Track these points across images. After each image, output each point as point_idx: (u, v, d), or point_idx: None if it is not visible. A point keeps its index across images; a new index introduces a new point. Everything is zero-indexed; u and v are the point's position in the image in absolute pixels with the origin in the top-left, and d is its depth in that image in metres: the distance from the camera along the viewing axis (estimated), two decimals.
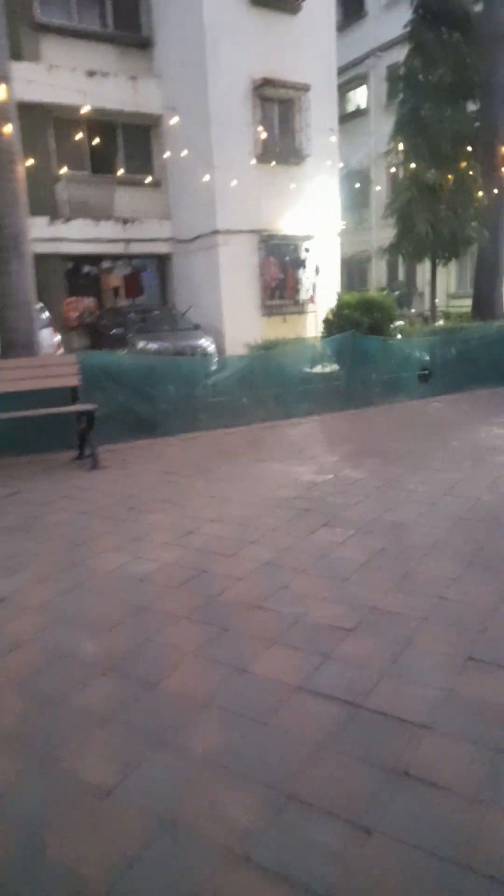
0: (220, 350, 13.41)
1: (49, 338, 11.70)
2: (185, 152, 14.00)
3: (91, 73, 14.55)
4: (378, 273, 23.12)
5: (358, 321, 8.47)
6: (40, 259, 15.65)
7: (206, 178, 14.03)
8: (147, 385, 6.74)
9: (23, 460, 5.89)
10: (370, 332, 8.39)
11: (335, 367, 8.26)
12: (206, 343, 13.16)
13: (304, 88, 14.79)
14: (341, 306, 8.85)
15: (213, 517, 4.05)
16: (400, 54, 22.08)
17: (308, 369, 8.23)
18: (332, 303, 16.22)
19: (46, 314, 12.21)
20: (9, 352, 6.44)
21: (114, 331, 13.26)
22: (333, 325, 8.76)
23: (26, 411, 5.39)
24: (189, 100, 14.52)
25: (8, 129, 6.27)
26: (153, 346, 12.35)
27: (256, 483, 4.83)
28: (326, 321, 9.07)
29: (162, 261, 16.36)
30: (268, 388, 7.73)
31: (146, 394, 6.80)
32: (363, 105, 24.03)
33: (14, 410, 5.46)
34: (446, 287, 20.34)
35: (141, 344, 12.30)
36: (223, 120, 14.03)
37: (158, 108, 15.35)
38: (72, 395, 5.77)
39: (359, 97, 24.28)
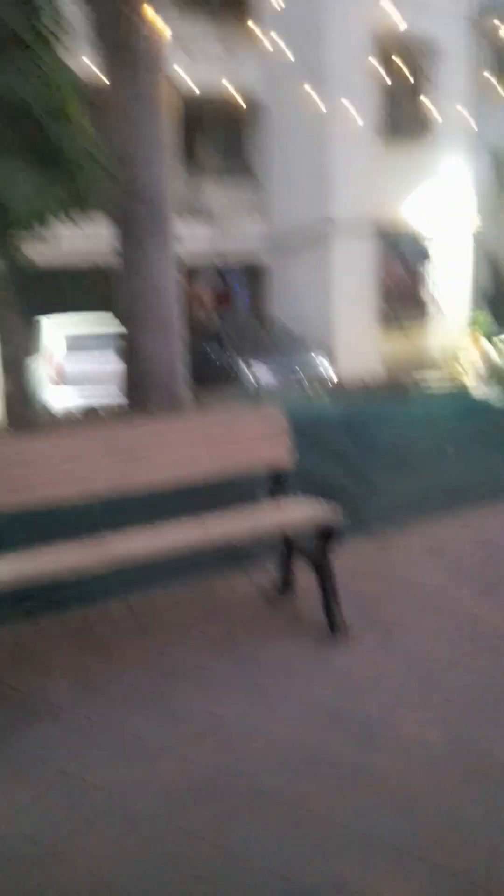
0: (336, 373, 10.72)
1: None
2: (289, 133, 11.49)
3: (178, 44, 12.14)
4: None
5: None
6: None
7: (317, 161, 11.48)
8: (365, 448, 4.06)
9: (164, 598, 3.24)
10: None
11: None
12: (323, 366, 10.53)
13: (433, 46, 12.07)
14: None
15: None
16: None
17: None
18: (463, 312, 13.63)
19: None
20: (139, 397, 3.85)
21: (210, 354, 10.64)
22: None
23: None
24: (295, 67, 11.93)
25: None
26: (264, 371, 9.76)
27: None
28: None
29: (255, 264, 13.79)
30: None
31: (363, 462, 4.10)
32: None
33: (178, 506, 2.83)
34: None
35: (255, 372, 9.69)
36: (339, 86, 11.40)
37: (257, 86, 12.84)
38: (273, 482, 3.09)
39: None
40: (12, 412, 3.63)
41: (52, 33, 3.32)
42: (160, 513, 2.92)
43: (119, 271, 4.18)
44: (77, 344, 9.08)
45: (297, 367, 10.16)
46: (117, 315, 4.26)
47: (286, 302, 13.02)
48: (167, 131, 4.09)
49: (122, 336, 4.30)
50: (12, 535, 2.80)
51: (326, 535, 2.80)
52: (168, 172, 4.10)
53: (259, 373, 9.84)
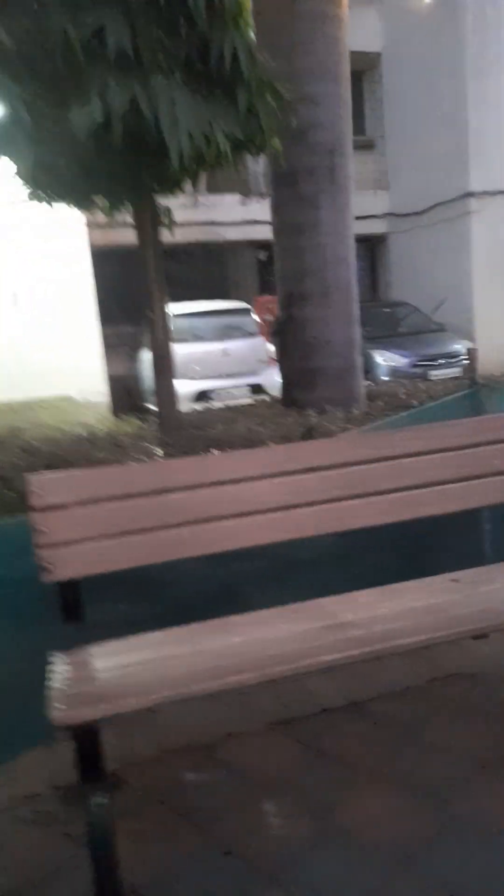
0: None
1: (261, 352, 8.43)
2: (415, 92, 10.31)
3: None
4: None
5: None
6: (230, 248, 12.61)
7: (453, 127, 10.22)
8: None
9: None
10: None
11: None
12: (463, 350, 9.37)
13: None
14: None
15: None
16: None
17: None
18: None
19: (254, 316, 8.99)
20: (304, 391, 3.06)
21: None
22: None
23: None
24: (425, 21, 10.63)
25: None
26: (401, 359, 8.77)
27: None
28: None
29: (372, 242, 12.69)
30: None
31: None
32: None
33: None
34: None
35: (383, 358, 8.74)
36: (482, 41, 10.09)
37: (377, 43, 11.68)
38: None
39: None
40: (165, 419, 2.91)
41: None
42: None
43: (283, 239, 3.38)
44: (195, 331, 8.32)
45: (437, 353, 9.07)
46: (278, 293, 3.47)
47: (408, 282, 11.89)
48: (348, 65, 3.24)
49: (282, 319, 3.52)
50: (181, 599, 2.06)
51: None
52: (347, 106, 3.24)
53: (393, 361, 8.87)
